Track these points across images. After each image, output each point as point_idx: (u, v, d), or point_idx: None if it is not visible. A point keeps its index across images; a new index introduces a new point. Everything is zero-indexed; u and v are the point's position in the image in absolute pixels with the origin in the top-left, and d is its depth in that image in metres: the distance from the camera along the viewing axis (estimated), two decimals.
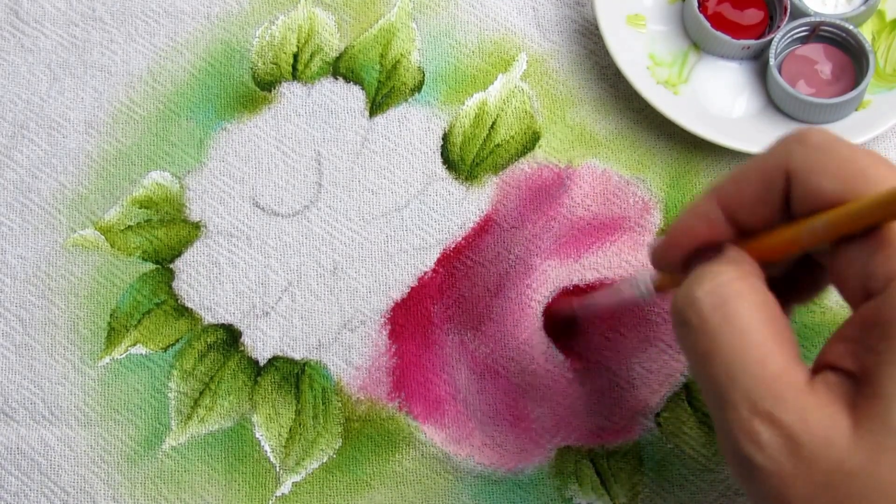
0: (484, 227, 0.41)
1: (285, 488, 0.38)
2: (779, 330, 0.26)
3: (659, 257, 0.31)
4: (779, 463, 0.24)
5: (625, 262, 0.40)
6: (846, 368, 0.25)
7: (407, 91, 0.44)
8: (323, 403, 0.39)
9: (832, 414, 0.24)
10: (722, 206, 0.28)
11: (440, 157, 0.43)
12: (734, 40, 0.42)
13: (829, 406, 0.25)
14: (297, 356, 0.40)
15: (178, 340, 0.40)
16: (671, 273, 0.31)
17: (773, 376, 0.25)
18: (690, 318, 0.26)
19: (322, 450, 0.39)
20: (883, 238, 0.25)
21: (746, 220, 0.28)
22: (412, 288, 0.41)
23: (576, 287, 0.40)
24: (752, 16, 0.43)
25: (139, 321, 0.41)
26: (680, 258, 0.30)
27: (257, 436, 0.39)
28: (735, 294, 0.26)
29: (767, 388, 0.25)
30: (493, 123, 0.43)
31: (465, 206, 0.42)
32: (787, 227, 0.27)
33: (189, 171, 0.43)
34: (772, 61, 0.41)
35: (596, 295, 0.38)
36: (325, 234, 0.42)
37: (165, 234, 0.42)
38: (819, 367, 0.26)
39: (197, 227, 0.42)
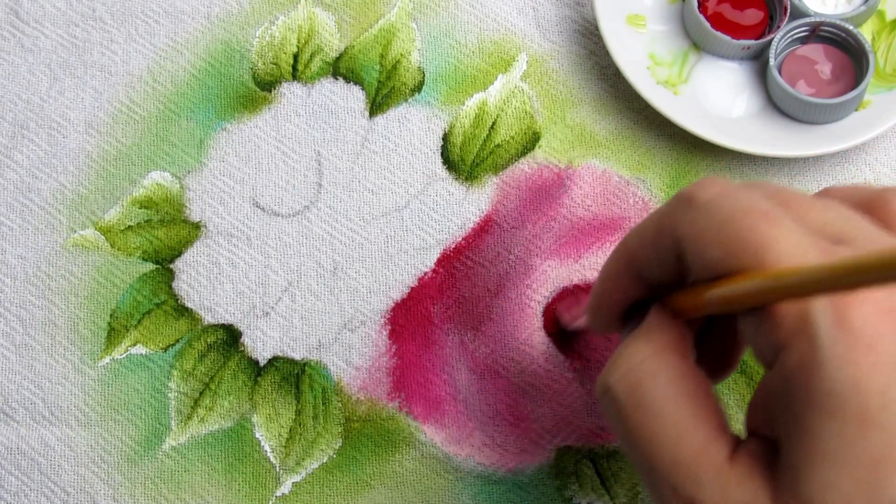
0: (484, 228, 0.41)
1: (285, 488, 0.38)
2: (698, 404, 0.25)
3: (592, 322, 0.30)
4: None
5: None
6: (763, 434, 0.25)
7: (407, 91, 0.44)
8: (323, 403, 0.39)
9: (753, 489, 0.24)
10: (629, 266, 0.28)
11: (440, 157, 0.43)
12: (734, 40, 0.42)
13: (749, 481, 0.24)
14: (297, 356, 0.40)
15: (178, 340, 0.40)
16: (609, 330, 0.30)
17: (691, 458, 0.24)
18: (607, 406, 0.26)
19: (322, 450, 0.39)
20: (767, 309, 0.24)
21: (655, 280, 0.27)
22: (412, 288, 0.41)
23: (576, 287, 0.40)
24: (752, 16, 0.43)
25: (139, 321, 0.41)
26: (611, 321, 0.29)
27: (257, 436, 0.39)
28: (648, 375, 0.25)
29: (685, 473, 0.24)
30: (494, 124, 0.43)
31: (466, 207, 0.42)
32: (696, 288, 0.26)
33: (189, 172, 0.43)
34: (772, 61, 0.41)
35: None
36: (326, 234, 0.42)
37: (165, 235, 0.42)
38: (748, 431, 0.26)
39: (197, 227, 0.42)
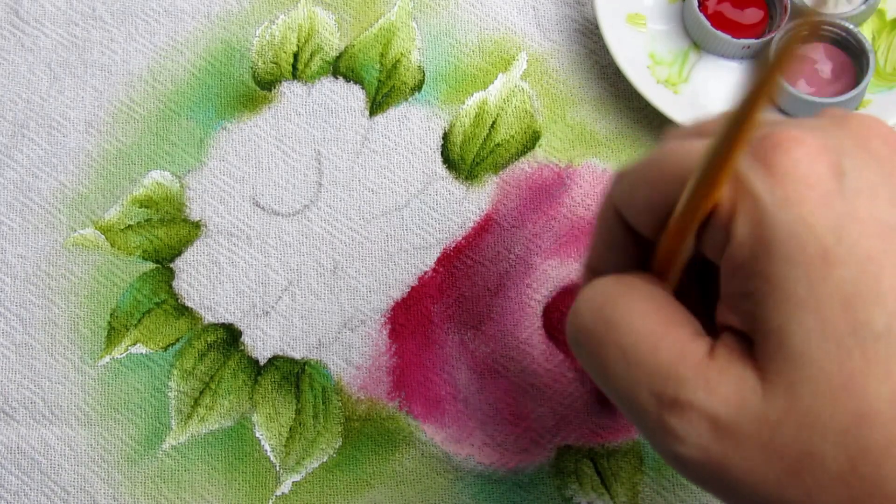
0: (484, 227, 0.41)
1: (285, 487, 0.38)
2: (668, 315, 0.25)
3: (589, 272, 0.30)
4: (706, 448, 0.23)
5: None
6: (733, 326, 0.24)
7: (407, 90, 0.44)
8: (323, 403, 0.39)
9: (738, 374, 0.23)
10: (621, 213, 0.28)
11: (440, 156, 0.43)
12: (734, 39, 0.42)
13: (732, 367, 0.23)
14: (297, 355, 0.40)
15: (178, 340, 0.40)
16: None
17: (669, 361, 0.24)
18: (578, 338, 0.26)
19: (322, 449, 0.39)
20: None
21: (642, 228, 0.27)
22: (412, 287, 0.41)
23: (576, 286, 0.40)
24: (753, 15, 0.43)
25: (139, 320, 0.41)
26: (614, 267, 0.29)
27: (257, 435, 0.39)
28: (612, 298, 0.25)
29: (666, 375, 0.24)
30: (494, 123, 0.43)
31: (466, 206, 0.42)
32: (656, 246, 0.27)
33: (189, 171, 0.43)
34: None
35: None
36: (326, 233, 0.42)
37: (165, 234, 0.42)
38: (719, 330, 0.25)
39: (197, 226, 0.42)
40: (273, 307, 0.41)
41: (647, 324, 0.25)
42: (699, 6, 0.42)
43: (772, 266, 0.23)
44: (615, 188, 0.27)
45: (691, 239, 0.25)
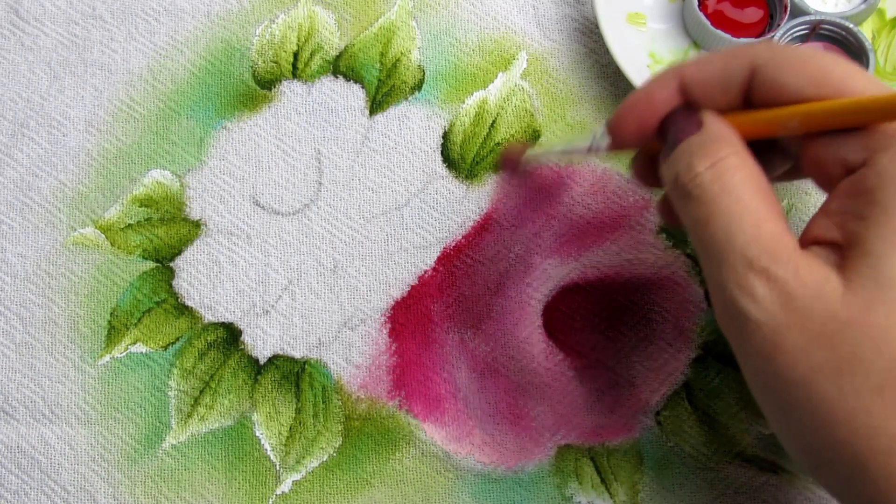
0: (484, 226, 0.41)
1: (285, 486, 0.38)
2: (771, 201, 0.28)
3: (618, 123, 0.32)
4: (773, 315, 0.26)
5: (625, 261, 0.40)
6: (831, 239, 0.27)
7: (407, 89, 0.44)
8: (323, 402, 0.39)
9: (824, 274, 0.26)
10: (681, 86, 0.30)
11: (440, 155, 0.43)
12: (734, 39, 0.42)
13: (820, 268, 0.26)
14: (297, 355, 0.40)
15: (178, 339, 0.40)
16: (627, 142, 0.32)
17: (768, 237, 0.27)
18: (692, 190, 0.28)
19: (322, 448, 0.39)
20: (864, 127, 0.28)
21: (701, 100, 0.30)
22: (412, 286, 0.41)
23: (576, 285, 0.40)
24: (752, 14, 0.43)
25: (139, 320, 0.41)
26: (637, 126, 0.31)
27: (257, 434, 0.39)
28: (732, 167, 0.28)
29: (763, 247, 0.27)
30: (494, 122, 0.43)
31: (466, 205, 0.42)
32: (764, 111, 0.29)
33: (189, 170, 0.43)
34: None
35: (549, 149, 0.39)
36: (326, 232, 0.42)
37: (166, 233, 0.42)
38: (804, 244, 0.28)
39: (197, 225, 0.42)
40: (273, 306, 0.41)
41: (756, 201, 0.27)
42: (699, 5, 0.42)
43: (895, 200, 0.26)
44: (763, 46, 0.30)
45: (797, 132, 0.28)
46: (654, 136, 0.31)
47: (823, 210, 0.28)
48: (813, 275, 0.26)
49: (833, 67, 0.28)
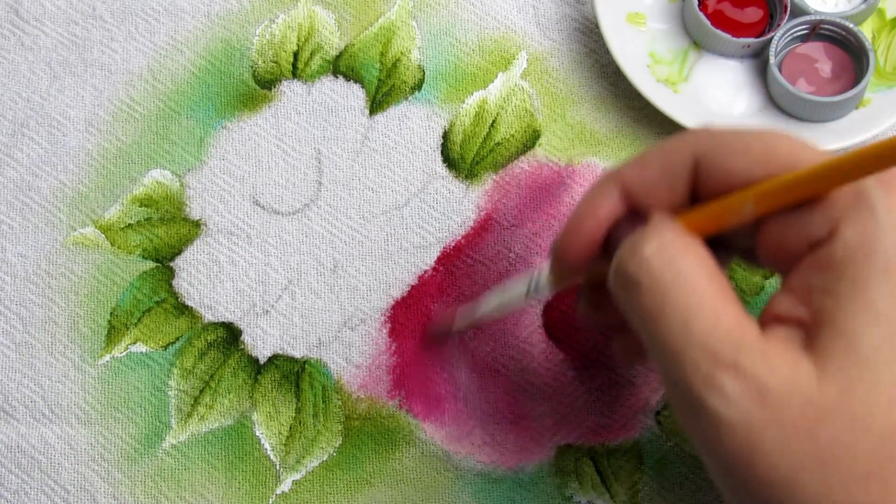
0: (484, 226, 0.41)
1: (285, 486, 0.38)
2: (724, 286, 0.26)
3: (563, 246, 0.30)
4: (747, 413, 0.24)
5: None
6: (797, 317, 0.25)
7: (407, 89, 0.44)
8: (323, 402, 0.39)
9: (794, 358, 0.24)
10: (623, 192, 0.29)
11: (440, 155, 0.43)
12: (734, 38, 0.42)
13: (788, 352, 0.24)
14: (297, 354, 0.40)
15: (178, 339, 0.40)
16: (575, 265, 0.31)
17: (729, 328, 0.25)
18: (640, 278, 0.26)
19: (322, 448, 0.39)
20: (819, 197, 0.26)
21: (646, 203, 0.29)
22: (412, 286, 0.41)
23: (576, 285, 0.40)
24: (752, 14, 0.43)
25: (139, 319, 0.41)
26: (583, 245, 0.30)
27: (257, 434, 0.39)
28: (681, 251, 0.26)
29: (726, 338, 0.24)
30: (494, 122, 0.43)
31: (466, 205, 0.42)
32: (715, 202, 0.27)
33: (189, 170, 0.43)
34: (772, 59, 0.41)
35: (480, 301, 0.38)
36: (326, 232, 0.42)
37: (166, 233, 0.42)
38: (765, 323, 0.26)
39: (197, 225, 0.42)
40: (273, 306, 0.41)
41: (711, 288, 0.25)
42: (699, 5, 0.42)
43: (865, 272, 0.24)
44: (701, 133, 0.28)
45: (752, 215, 0.27)
46: (600, 255, 0.30)
47: (786, 287, 0.26)
48: (783, 361, 0.24)
49: (777, 143, 0.27)
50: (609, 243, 0.30)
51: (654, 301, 0.26)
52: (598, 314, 0.33)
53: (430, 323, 0.39)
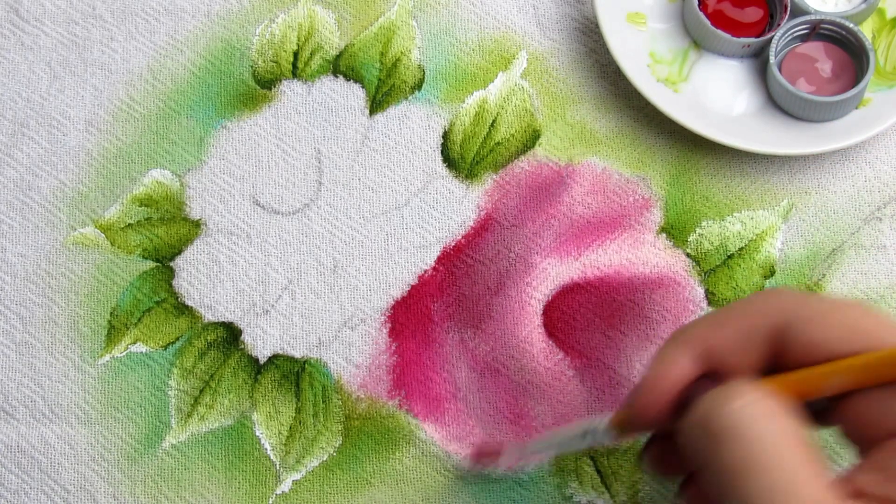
0: (484, 226, 0.41)
1: (285, 486, 0.38)
2: (809, 451, 0.25)
3: (640, 406, 0.29)
4: None
5: (625, 260, 0.40)
6: (885, 496, 0.25)
7: (407, 89, 0.44)
8: (323, 401, 0.39)
9: None
10: (698, 355, 0.28)
11: (440, 155, 0.43)
12: (734, 38, 0.42)
13: None
14: (297, 354, 0.40)
15: (178, 338, 0.40)
16: (649, 423, 0.30)
17: (817, 500, 0.24)
18: (725, 431, 0.25)
19: (322, 448, 0.39)
20: None
21: (723, 366, 0.28)
22: (412, 286, 0.41)
23: (575, 284, 0.40)
24: (753, 14, 0.43)
25: (139, 319, 0.41)
26: (662, 403, 0.29)
27: (257, 434, 0.39)
28: (768, 411, 0.26)
29: None
30: (494, 121, 0.43)
31: (466, 205, 0.42)
32: (798, 372, 0.27)
33: (189, 170, 0.43)
34: (772, 59, 0.41)
35: (531, 443, 0.37)
36: (326, 232, 0.42)
37: (166, 233, 0.42)
38: (849, 494, 0.26)
39: (197, 225, 0.42)
40: (273, 306, 0.41)
41: (796, 454, 0.25)
42: (699, 5, 0.42)
43: None
44: (700, 325, 0.28)
45: (835, 391, 0.26)
46: (672, 414, 0.29)
47: (871, 462, 0.26)
48: None
49: (863, 320, 0.27)
50: (685, 398, 0.29)
51: (738, 456, 0.25)
52: (660, 466, 0.33)
53: (479, 449, 0.38)
